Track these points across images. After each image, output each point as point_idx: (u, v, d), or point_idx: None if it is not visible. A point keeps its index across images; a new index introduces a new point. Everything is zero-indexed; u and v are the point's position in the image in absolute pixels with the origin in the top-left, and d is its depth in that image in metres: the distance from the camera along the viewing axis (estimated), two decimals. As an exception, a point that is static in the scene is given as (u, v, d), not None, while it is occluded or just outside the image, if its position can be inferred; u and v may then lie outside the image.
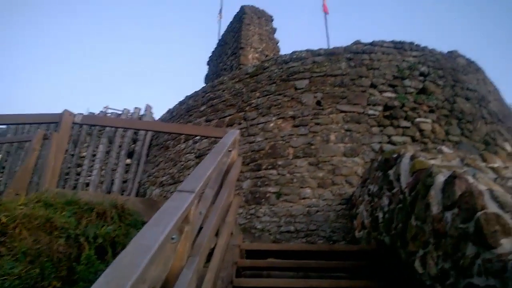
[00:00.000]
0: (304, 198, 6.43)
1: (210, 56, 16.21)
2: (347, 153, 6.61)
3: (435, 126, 6.82)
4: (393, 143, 6.53)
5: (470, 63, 8.66)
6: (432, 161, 3.38)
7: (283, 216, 6.38)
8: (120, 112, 13.34)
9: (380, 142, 6.58)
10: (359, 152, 6.58)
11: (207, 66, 16.26)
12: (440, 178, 2.89)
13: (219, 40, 15.73)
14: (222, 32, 15.86)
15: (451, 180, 2.70)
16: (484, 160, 3.77)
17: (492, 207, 2.36)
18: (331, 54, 7.82)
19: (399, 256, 3.55)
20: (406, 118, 6.83)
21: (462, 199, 2.51)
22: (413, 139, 6.65)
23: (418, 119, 6.83)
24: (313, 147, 6.81)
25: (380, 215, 4.36)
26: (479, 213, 2.32)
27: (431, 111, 6.97)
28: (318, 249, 4.06)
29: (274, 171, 6.89)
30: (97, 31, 61.42)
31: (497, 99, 8.74)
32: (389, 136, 6.70)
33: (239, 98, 8.31)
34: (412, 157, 3.56)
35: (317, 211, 6.24)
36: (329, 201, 6.28)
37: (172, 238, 1.85)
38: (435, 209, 2.81)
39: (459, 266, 2.43)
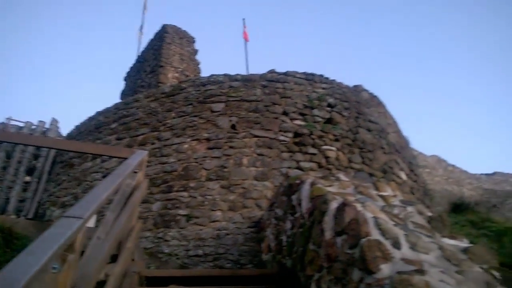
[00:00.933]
0: (214, 221, 6.41)
1: (128, 72, 15.72)
2: (258, 177, 6.76)
3: (339, 154, 7.30)
4: (301, 169, 6.84)
5: (373, 97, 9.49)
6: (329, 188, 3.59)
7: (192, 239, 6.28)
8: (22, 125, 12.24)
9: (289, 167, 6.86)
10: (269, 176, 6.77)
11: (124, 82, 15.73)
12: (333, 205, 3.08)
13: (138, 57, 15.36)
14: (142, 48, 15.55)
15: (341, 207, 2.88)
16: (377, 188, 4.09)
17: (375, 234, 2.55)
18: (248, 80, 8.05)
19: (299, 280, 3.67)
20: (313, 145, 7.22)
21: (350, 225, 2.68)
22: (319, 165, 7.03)
23: (324, 147, 7.25)
24: (226, 170, 6.87)
25: (284, 238, 4.50)
26: (363, 240, 2.49)
27: (336, 140, 7.46)
28: (221, 274, 4.05)
29: (185, 193, 6.78)
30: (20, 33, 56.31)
31: (395, 131, 9.63)
32: (297, 162, 7.01)
33: (154, 118, 8.13)
34: (312, 184, 3.76)
35: (227, 234, 6.25)
36: (239, 224, 6.33)
37: (54, 268, 1.71)
38: (328, 234, 2.98)
39: (347, 290, 2.59)
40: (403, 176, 8.45)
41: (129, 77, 15.46)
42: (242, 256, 5.97)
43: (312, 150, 7.19)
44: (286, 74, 8.23)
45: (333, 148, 7.29)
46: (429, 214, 3.63)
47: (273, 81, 8.02)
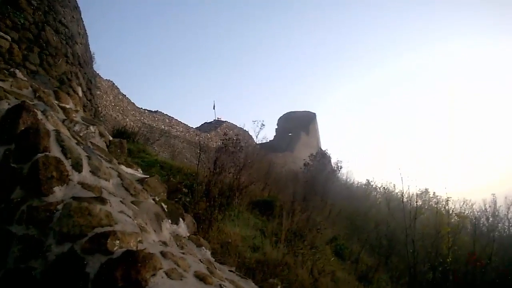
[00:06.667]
0: None
1: None
2: None
3: (14, 47, 5.97)
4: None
5: (68, -4, 8.32)
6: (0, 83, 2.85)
7: None
8: None
9: None
10: None
11: None
12: (4, 105, 2.44)
13: None
14: None
15: (16, 111, 2.28)
16: (58, 98, 3.58)
17: (56, 151, 2.13)
18: None
19: None
20: (-19, 26, 5.60)
21: (25, 135, 2.15)
22: (-16, 53, 5.55)
23: (-4, 32, 5.76)
24: None
25: None
26: (39, 155, 2.05)
27: (15, 29, 6.08)
28: None
29: None
30: None
31: (83, 44, 8.86)
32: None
33: None
34: (-24, 72, 2.86)
35: None
36: None
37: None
38: (-13, 140, 2.33)
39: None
40: (80, 92, 7.93)
41: None
42: None
43: (-23, 31, 5.55)
44: None
45: (8, 38, 5.87)
46: (110, 138, 3.51)
47: None
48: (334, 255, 8.67)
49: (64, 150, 2.20)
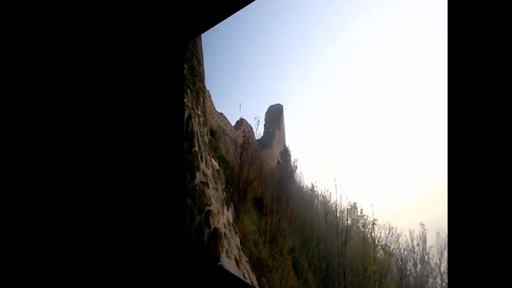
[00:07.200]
0: None
1: None
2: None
3: (186, 73, 9.03)
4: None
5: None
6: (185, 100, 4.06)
7: None
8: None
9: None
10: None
11: None
12: (186, 114, 3.62)
13: None
14: None
15: (188, 118, 3.52)
16: (197, 107, 4.71)
17: (196, 147, 3.16)
18: None
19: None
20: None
21: (191, 134, 3.27)
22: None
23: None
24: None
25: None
26: (193, 149, 3.06)
27: (186, 61, 9.19)
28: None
29: None
30: None
31: (202, 65, 11.86)
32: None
33: None
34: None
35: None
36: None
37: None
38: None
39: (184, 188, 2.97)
40: (201, 102, 10.13)
41: None
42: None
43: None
44: None
45: (185, 67, 8.43)
46: (209, 136, 4.58)
47: None
48: (292, 268, 7.73)
49: (199, 146, 3.21)
